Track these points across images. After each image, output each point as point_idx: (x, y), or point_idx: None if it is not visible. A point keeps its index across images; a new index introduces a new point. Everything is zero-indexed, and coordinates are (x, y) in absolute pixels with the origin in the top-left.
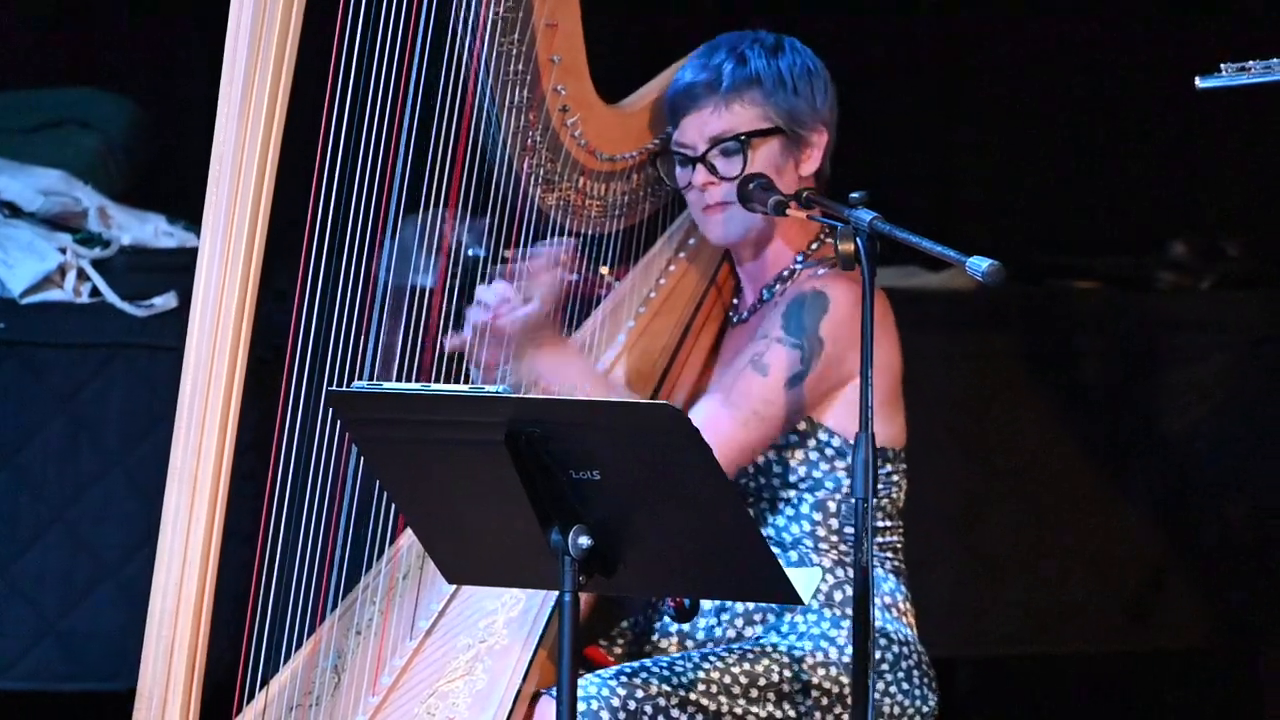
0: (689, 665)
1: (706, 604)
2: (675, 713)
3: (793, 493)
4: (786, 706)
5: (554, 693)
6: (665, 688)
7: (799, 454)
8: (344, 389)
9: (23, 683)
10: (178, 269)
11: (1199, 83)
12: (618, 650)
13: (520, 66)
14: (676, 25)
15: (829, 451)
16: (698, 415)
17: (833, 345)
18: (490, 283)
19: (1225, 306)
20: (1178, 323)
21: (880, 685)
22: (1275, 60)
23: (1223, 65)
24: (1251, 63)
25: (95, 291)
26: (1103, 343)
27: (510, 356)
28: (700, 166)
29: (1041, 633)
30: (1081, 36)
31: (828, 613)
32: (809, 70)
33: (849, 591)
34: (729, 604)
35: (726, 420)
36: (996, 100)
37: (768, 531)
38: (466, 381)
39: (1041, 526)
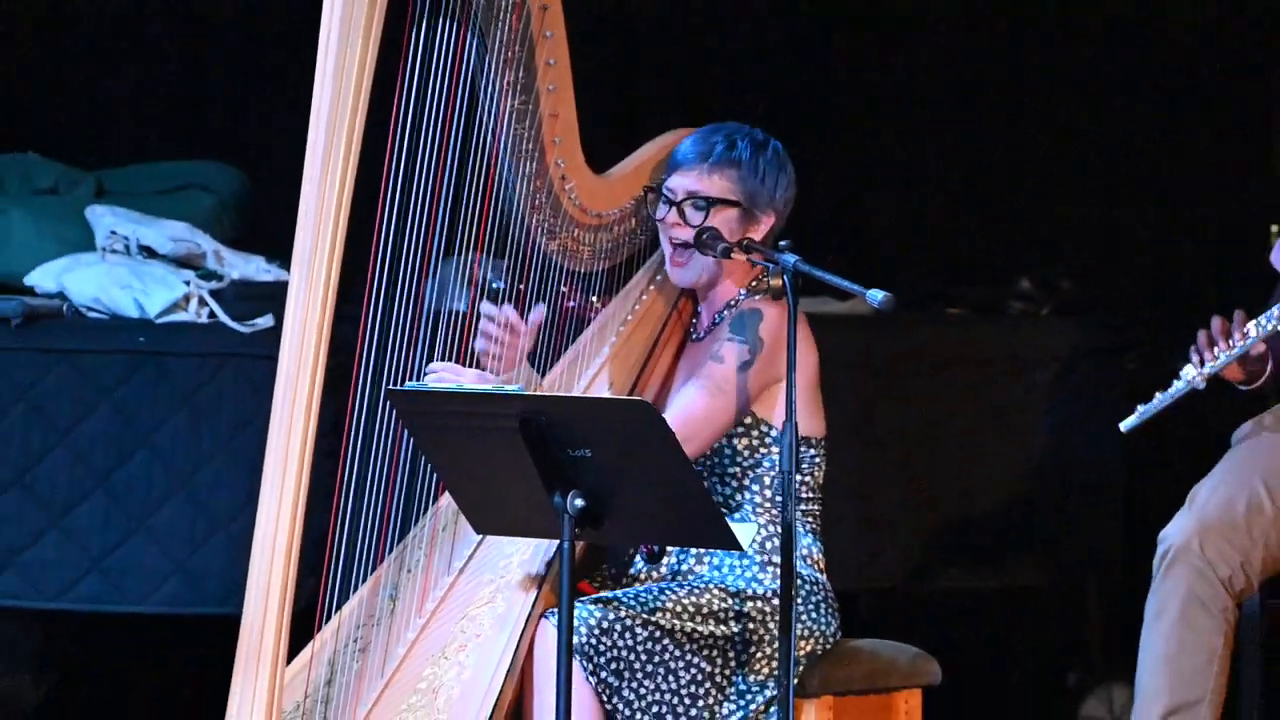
0: (651, 595)
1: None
2: (639, 630)
3: (738, 469)
4: (724, 627)
5: (552, 615)
6: (632, 612)
7: (744, 440)
8: (400, 388)
9: (158, 607)
10: (274, 297)
11: (1123, 427)
12: (600, 583)
13: (530, 146)
14: (648, 115)
15: (768, 439)
16: (680, 398)
17: (768, 344)
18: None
19: (1058, 328)
20: (1023, 340)
21: (797, 613)
22: (1175, 382)
23: (1138, 407)
24: (1156, 394)
25: (212, 314)
26: (967, 354)
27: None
28: (674, 210)
29: (918, 572)
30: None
31: (759, 558)
32: (778, 169)
33: (777, 543)
34: (686, 549)
35: (696, 393)
36: (895, 162)
37: (718, 497)
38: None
39: (918, 493)
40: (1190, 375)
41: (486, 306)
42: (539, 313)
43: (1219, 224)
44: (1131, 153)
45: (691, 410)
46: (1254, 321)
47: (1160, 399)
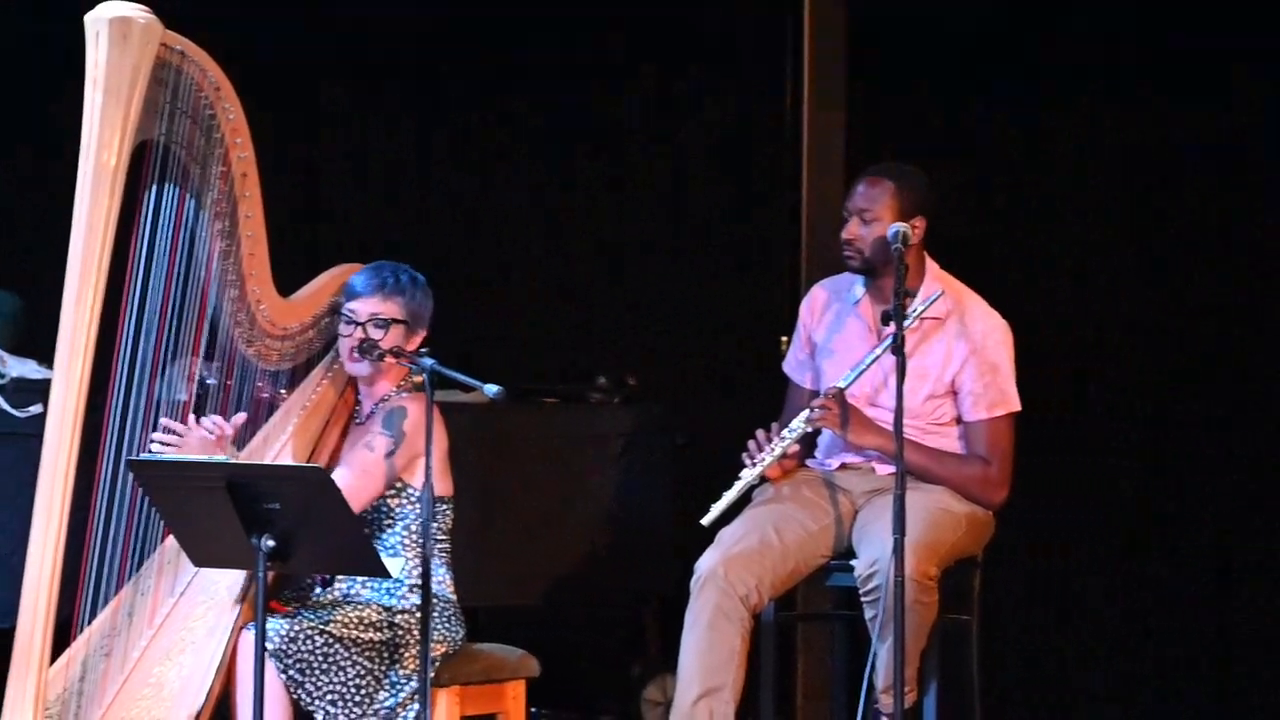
0: (326, 611)
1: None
2: (317, 638)
3: (392, 520)
4: (380, 634)
5: (251, 627)
6: (312, 624)
7: (396, 499)
8: (137, 458)
9: None
10: (43, 391)
11: (705, 521)
12: (287, 603)
13: (233, 277)
14: (323, 252)
15: (412, 497)
16: (340, 477)
17: (409, 434)
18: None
19: (626, 413)
20: (598, 421)
21: (432, 624)
22: (737, 482)
23: (713, 506)
24: (725, 493)
25: None
26: (558, 433)
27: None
28: (359, 327)
29: (523, 593)
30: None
31: (406, 583)
32: (426, 296)
33: (419, 571)
34: (352, 577)
35: (353, 477)
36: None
37: (376, 539)
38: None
39: (523, 536)
40: (746, 475)
41: (203, 421)
42: (240, 417)
43: (744, 332)
44: (675, 274)
45: (347, 487)
46: (786, 429)
47: (728, 496)
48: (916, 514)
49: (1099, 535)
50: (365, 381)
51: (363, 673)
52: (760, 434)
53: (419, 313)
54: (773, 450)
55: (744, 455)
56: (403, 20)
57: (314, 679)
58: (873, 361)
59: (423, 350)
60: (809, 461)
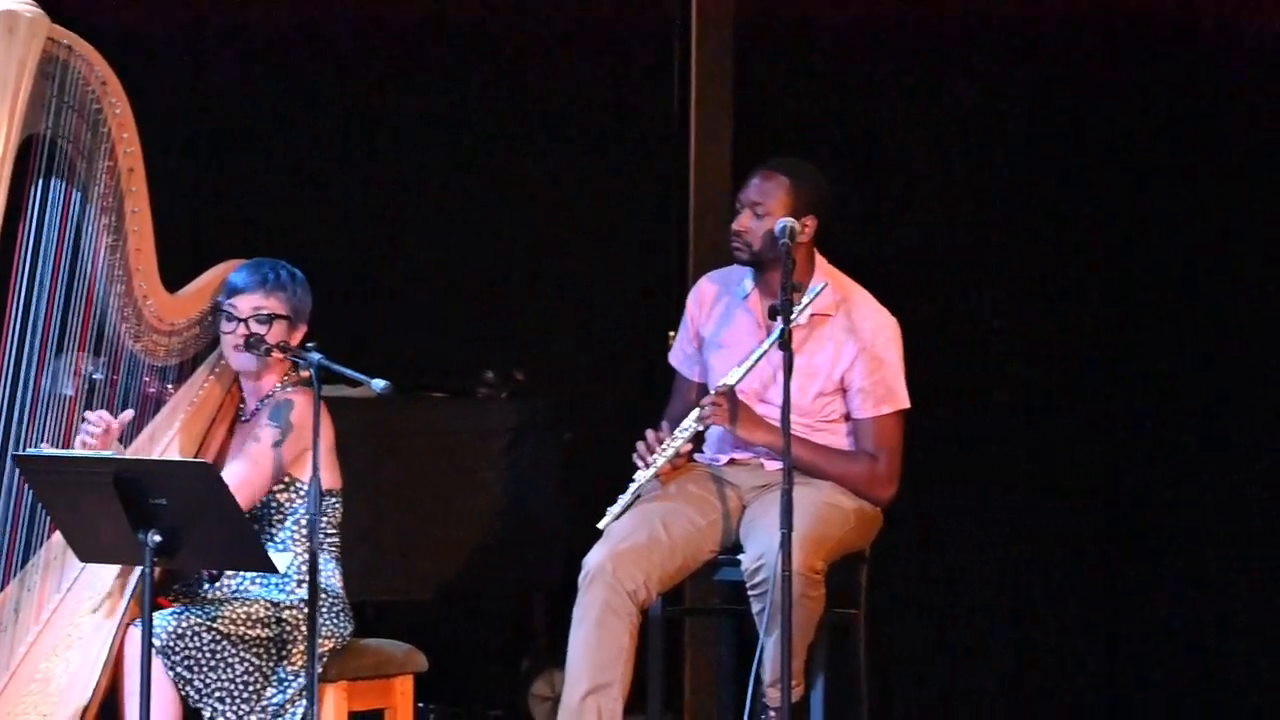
0: (213, 607)
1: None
2: (204, 634)
3: (282, 515)
4: (268, 630)
5: (138, 623)
6: (199, 620)
7: (285, 493)
8: (24, 453)
9: None
10: None
11: (601, 525)
12: (175, 598)
13: (120, 272)
14: (209, 246)
15: (301, 491)
16: (230, 470)
17: (297, 426)
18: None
19: (514, 408)
20: (486, 416)
21: (320, 619)
22: (631, 485)
23: (608, 509)
24: (620, 497)
25: None
26: (446, 427)
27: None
28: (241, 324)
29: (411, 588)
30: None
31: (295, 578)
32: (307, 292)
33: (308, 566)
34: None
35: (243, 468)
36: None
37: (266, 534)
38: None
39: (412, 530)
40: (640, 478)
41: (90, 415)
42: (127, 414)
43: (631, 326)
44: (561, 269)
45: (237, 478)
46: (678, 429)
47: (622, 500)
48: (804, 509)
49: (986, 530)
50: (250, 377)
51: (251, 669)
52: (650, 434)
53: (300, 308)
54: (664, 451)
55: (635, 457)
56: (284, 13)
57: (202, 676)
58: (760, 356)
59: (309, 345)
60: (698, 456)
